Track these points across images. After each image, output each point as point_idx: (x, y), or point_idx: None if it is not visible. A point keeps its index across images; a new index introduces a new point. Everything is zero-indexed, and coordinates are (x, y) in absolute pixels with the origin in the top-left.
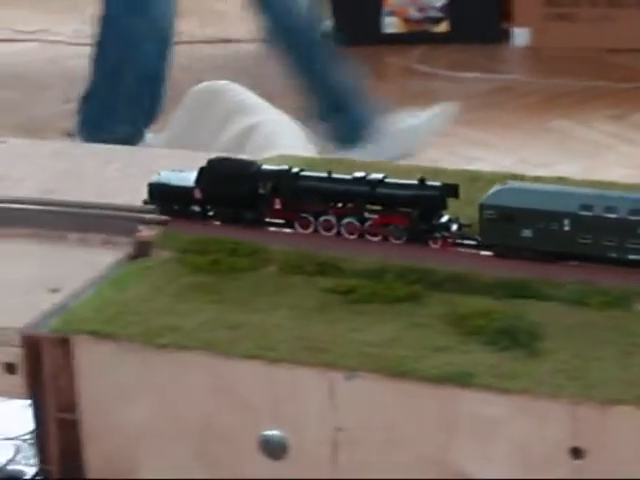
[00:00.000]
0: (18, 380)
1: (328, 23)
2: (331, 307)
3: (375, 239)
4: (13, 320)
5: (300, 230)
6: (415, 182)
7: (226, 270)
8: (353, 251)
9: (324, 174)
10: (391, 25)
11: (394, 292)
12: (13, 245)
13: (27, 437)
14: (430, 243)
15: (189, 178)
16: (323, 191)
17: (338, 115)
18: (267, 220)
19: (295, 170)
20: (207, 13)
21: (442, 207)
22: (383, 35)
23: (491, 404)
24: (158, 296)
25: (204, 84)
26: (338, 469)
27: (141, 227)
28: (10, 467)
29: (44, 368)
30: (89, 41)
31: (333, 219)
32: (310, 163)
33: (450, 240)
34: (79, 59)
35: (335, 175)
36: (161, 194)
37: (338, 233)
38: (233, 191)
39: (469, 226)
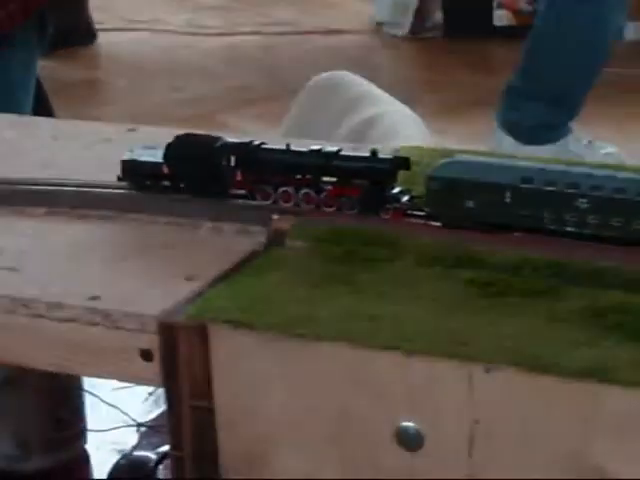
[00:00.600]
0: (154, 367)
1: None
2: (469, 300)
3: (330, 209)
4: (150, 307)
5: (261, 201)
6: (367, 155)
7: (361, 261)
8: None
9: (283, 147)
10: (501, 18)
11: (532, 285)
12: (150, 233)
13: (152, 423)
14: (381, 214)
15: (158, 154)
16: (281, 163)
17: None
18: (231, 192)
19: (255, 143)
20: (317, 3)
21: (393, 179)
22: (494, 28)
23: (633, 400)
24: (294, 286)
25: (324, 75)
26: (473, 462)
27: (275, 216)
28: (136, 453)
29: (179, 355)
30: (199, 31)
31: (291, 190)
32: (442, 154)
33: (400, 211)
34: (189, 49)
35: (293, 148)
36: (132, 170)
37: (296, 204)
38: (197, 165)
39: (420, 198)
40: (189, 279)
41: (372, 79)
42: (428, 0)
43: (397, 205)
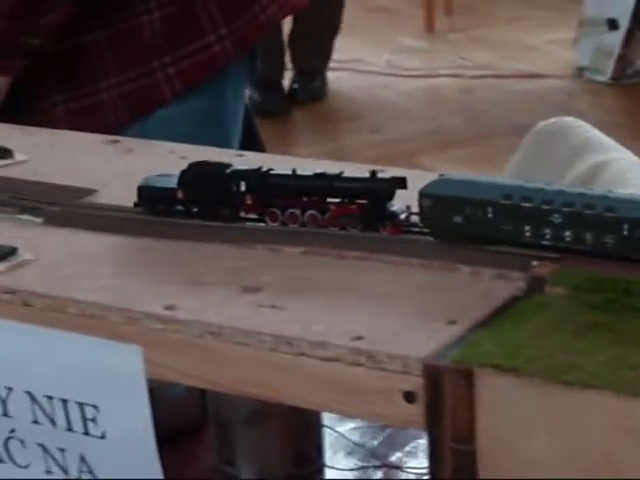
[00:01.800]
0: (416, 409)
1: None
2: None
3: (335, 229)
4: (414, 349)
5: (270, 223)
6: (367, 176)
7: (622, 309)
8: None
9: (289, 172)
10: None
11: None
12: (405, 275)
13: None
14: (380, 230)
15: (173, 180)
16: (289, 187)
17: None
18: (241, 216)
19: (264, 169)
20: (517, 47)
21: (391, 197)
22: None
23: None
24: (556, 333)
25: (550, 120)
26: None
27: (535, 263)
28: None
29: (444, 398)
30: (399, 72)
31: (298, 212)
32: None
33: (398, 227)
34: (388, 89)
35: (299, 173)
36: (148, 195)
37: (302, 224)
38: (210, 191)
39: (417, 214)
40: (450, 322)
41: None
42: (631, 46)
43: (395, 222)
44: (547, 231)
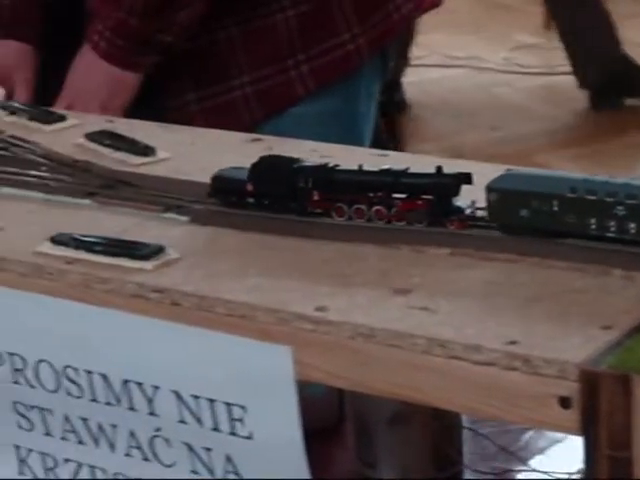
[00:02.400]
0: (571, 415)
1: None
2: None
3: (401, 223)
4: (570, 354)
5: (337, 218)
6: (432, 172)
7: None
8: None
9: (355, 168)
10: None
11: None
12: (553, 277)
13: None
14: (447, 225)
15: (245, 173)
16: (355, 182)
17: None
18: (308, 210)
19: (330, 165)
20: (632, 44)
21: (456, 193)
22: None
23: None
24: None
25: None
26: None
27: None
28: None
29: (600, 404)
30: (517, 69)
31: (364, 207)
32: None
33: (463, 221)
34: (507, 87)
35: (365, 168)
36: (220, 187)
37: (369, 219)
38: (278, 185)
39: (483, 209)
40: (605, 327)
41: None
42: None
43: (461, 216)
44: (612, 223)
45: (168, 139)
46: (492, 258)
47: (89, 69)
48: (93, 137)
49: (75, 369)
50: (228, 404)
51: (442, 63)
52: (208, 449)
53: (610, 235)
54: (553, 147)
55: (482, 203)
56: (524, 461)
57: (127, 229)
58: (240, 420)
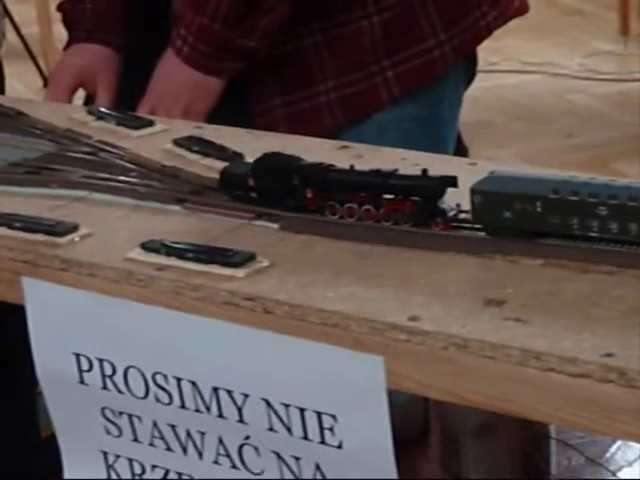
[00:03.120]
0: None
1: None
2: None
3: (388, 224)
4: None
5: (329, 216)
6: (419, 174)
7: None
8: None
9: (347, 168)
10: None
11: None
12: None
13: None
14: (432, 226)
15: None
16: (347, 182)
17: None
18: (303, 207)
19: (324, 164)
20: None
21: (441, 195)
22: None
23: None
24: None
25: None
26: None
27: None
28: None
29: None
30: (593, 76)
31: (355, 206)
32: None
33: (448, 222)
34: (582, 93)
35: (357, 169)
36: (227, 181)
37: (359, 219)
38: (275, 181)
39: (467, 212)
40: None
41: None
42: None
43: (446, 218)
44: (594, 223)
45: (256, 145)
46: (587, 270)
47: (172, 74)
48: (181, 143)
49: (164, 376)
50: (318, 413)
51: (517, 69)
52: (297, 458)
53: (592, 235)
54: (629, 154)
55: None
56: (612, 473)
57: (217, 236)
58: (330, 429)
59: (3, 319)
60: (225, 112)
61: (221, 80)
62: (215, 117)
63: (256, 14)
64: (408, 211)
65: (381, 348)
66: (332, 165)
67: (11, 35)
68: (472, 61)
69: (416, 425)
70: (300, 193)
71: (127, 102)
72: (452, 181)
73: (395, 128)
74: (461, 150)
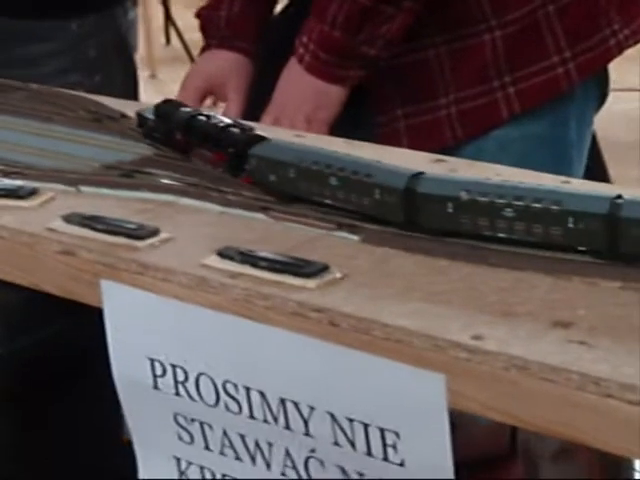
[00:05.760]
0: None
1: None
2: None
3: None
4: None
5: (193, 159)
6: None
7: None
8: None
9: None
10: None
11: None
12: None
13: None
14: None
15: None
16: (199, 131)
17: None
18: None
19: (197, 112)
20: None
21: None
22: None
23: None
24: None
25: None
26: None
27: None
28: None
29: None
30: None
31: (207, 152)
32: None
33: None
34: None
35: (217, 121)
36: (140, 122)
37: (211, 164)
38: (163, 120)
39: None
40: None
41: None
42: None
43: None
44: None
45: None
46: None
47: (294, 83)
48: None
49: (234, 384)
50: (382, 429)
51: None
52: (361, 474)
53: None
54: None
55: None
56: None
57: (296, 245)
58: (393, 446)
59: (95, 322)
60: (348, 123)
61: (343, 88)
62: (339, 128)
63: (375, 21)
64: (223, 162)
65: (442, 366)
66: (201, 114)
67: (175, 40)
68: (603, 81)
69: (503, 445)
70: (172, 134)
71: (256, 111)
72: (261, 139)
73: (516, 146)
74: (598, 171)
